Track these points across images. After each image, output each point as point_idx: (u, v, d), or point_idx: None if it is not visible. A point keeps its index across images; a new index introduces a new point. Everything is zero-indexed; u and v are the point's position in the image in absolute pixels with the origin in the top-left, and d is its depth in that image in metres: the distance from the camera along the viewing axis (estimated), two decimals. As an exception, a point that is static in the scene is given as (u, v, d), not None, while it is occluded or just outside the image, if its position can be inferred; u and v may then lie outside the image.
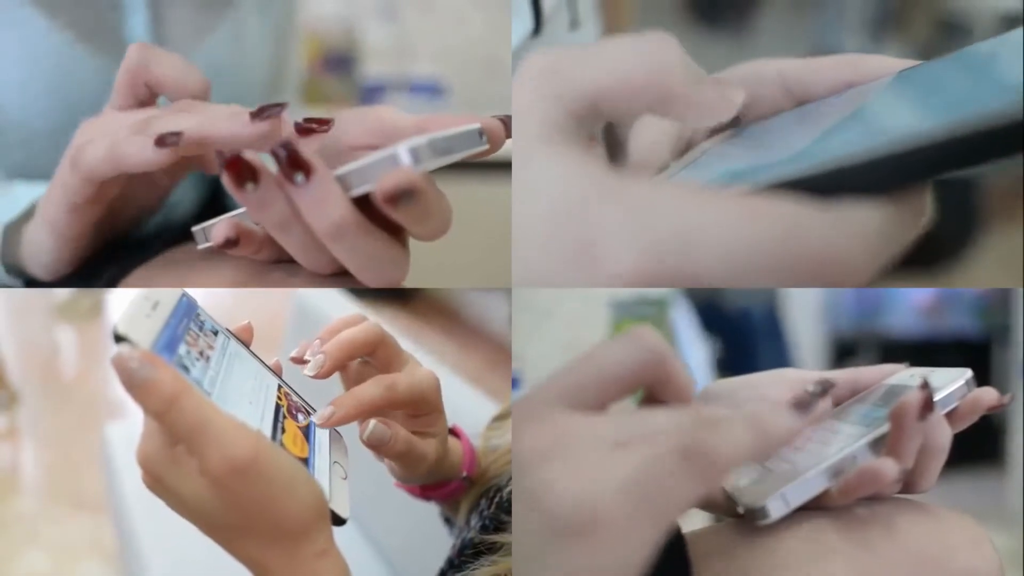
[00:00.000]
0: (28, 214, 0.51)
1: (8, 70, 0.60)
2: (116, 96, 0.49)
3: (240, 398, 0.43)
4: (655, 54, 0.36)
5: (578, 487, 0.31)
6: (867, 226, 0.33)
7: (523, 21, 0.58)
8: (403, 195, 0.40)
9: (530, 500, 0.31)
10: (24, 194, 0.52)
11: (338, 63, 1.95)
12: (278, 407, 0.45)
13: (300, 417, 0.47)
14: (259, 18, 0.73)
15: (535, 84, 0.36)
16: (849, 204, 0.33)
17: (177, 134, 0.43)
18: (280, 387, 0.48)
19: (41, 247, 0.49)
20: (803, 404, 0.34)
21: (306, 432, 0.46)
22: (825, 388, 0.35)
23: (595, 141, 0.38)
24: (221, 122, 0.44)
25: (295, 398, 0.49)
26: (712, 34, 2.16)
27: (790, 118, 0.41)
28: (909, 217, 0.34)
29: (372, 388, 0.49)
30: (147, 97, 0.49)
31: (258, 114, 0.44)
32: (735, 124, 0.44)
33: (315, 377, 0.48)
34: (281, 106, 0.44)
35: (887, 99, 0.36)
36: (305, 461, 0.43)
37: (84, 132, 0.48)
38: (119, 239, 0.53)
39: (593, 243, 0.33)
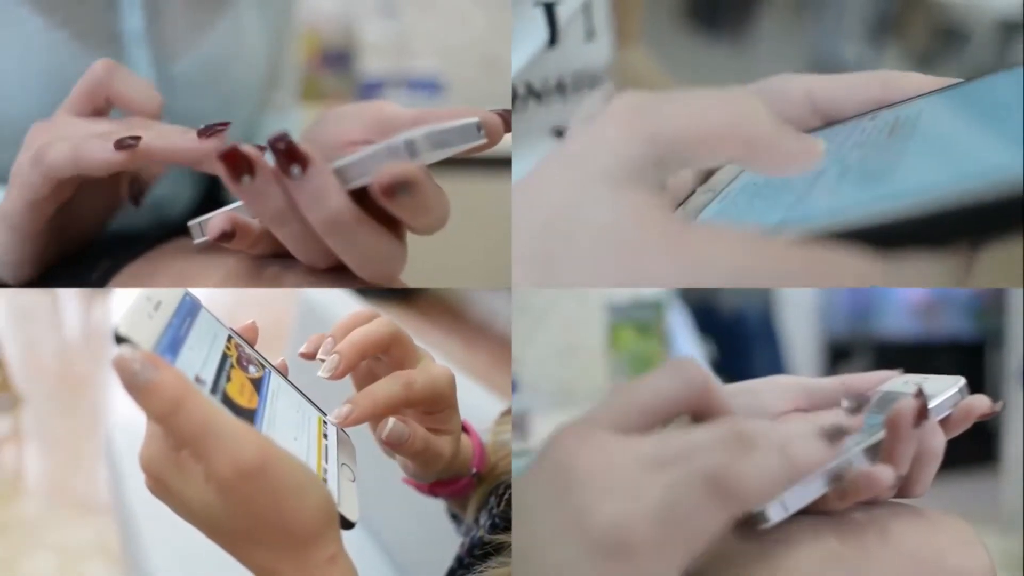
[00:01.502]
0: None
1: (3, 68, 0.60)
2: (73, 102, 0.51)
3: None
4: (741, 105, 0.37)
5: (615, 510, 0.32)
6: (921, 280, 0.33)
7: (538, 32, 0.58)
8: (400, 187, 0.40)
9: (570, 520, 0.33)
10: None
11: (336, 59, 1.95)
12: (225, 356, 0.44)
13: (251, 369, 0.45)
14: (257, 14, 0.73)
15: (623, 121, 0.36)
16: (906, 257, 0.33)
17: (136, 138, 0.45)
18: (230, 338, 0.46)
19: (2, 247, 0.50)
20: (836, 434, 0.34)
21: (257, 384, 0.44)
22: (859, 406, 0.36)
23: (666, 189, 0.38)
24: (171, 137, 0.46)
25: (247, 350, 0.47)
26: (713, 41, 2.16)
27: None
28: (955, 271, 0.34)
29: (389, 385, 0.48)
30: (103, 109, 0.51)
31: (205, 132, 0.46)
32: None
33: (330, 378, 0.47)
34: (225, 124, 0.46)
35: (919, 151, 0.36)
36: (253, 413, 0.42)
37: (38, 133, 0.49)
38: (70, 252, 0.54)
39: (640, 279, 0.34)
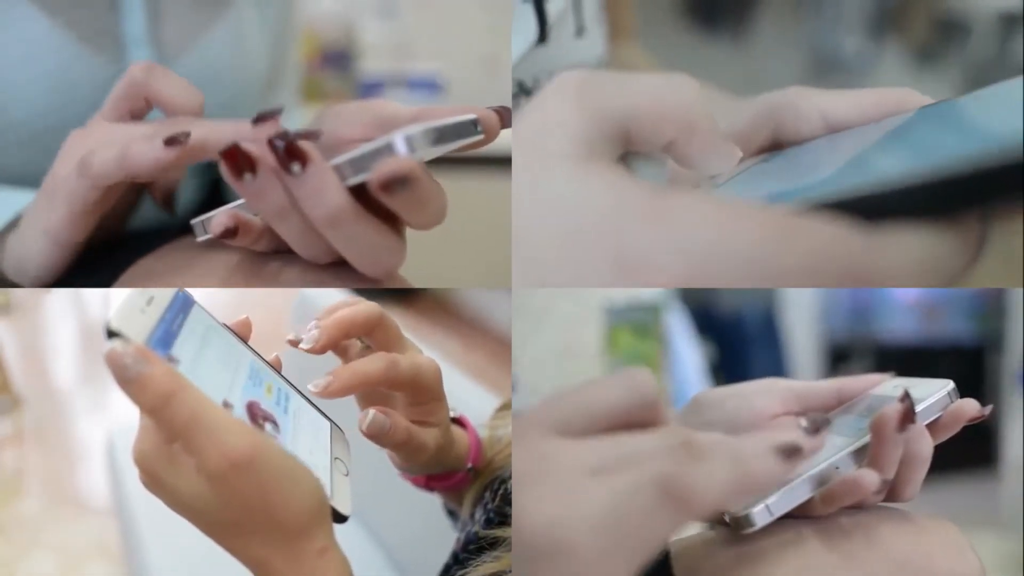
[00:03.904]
0: (11, 225, 0.52)
1: (9, 70, 0.60)
2: (110, 107, 0.50)
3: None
4: (684, 92, 0.38)
5: (551, 513, 0.30)
6: (911, 251, 0.33)
7: (528, 29, 0.58)
8: (398, 183, 0.41)
9: (514, 520, 0.31)
10: (6, 202, 0.53)
11: (336, 60, 1.95)
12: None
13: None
14: (257, 15, 0.74)
15: (571, 99, 0.37)
16: (892, 229, 0.33)
17: (186, 133, 0.45)
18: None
19: (32, 258, 0.50)
20: (791, 452, 0.32)
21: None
22: (819, 426, 0.35)
23: (623, 165, 0.38)
24: (223, 130, 0.46)
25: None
26: (711, 37, 2.16)
27: (823, 142, 0.42)
28: (955, 246, 0.33)
29: (372, 362, 0.48)
30: (141, 111, 0.51)
31: (258, 120, 0.45)
32: (771, 150, 0.45)
33: (309, 351, 0.47)
34: (279, 110, 0.46)
35: (918, 132, 0.37)
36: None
37: (76, 142, 0.49)
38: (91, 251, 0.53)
39: (631, 256, 0.33)
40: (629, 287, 0.34)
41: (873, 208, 0.33)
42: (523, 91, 0.60)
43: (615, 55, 0.68)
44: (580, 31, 0.62)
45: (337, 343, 0.49)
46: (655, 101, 0.37)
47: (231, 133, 0.45)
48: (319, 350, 0.48)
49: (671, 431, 0.34)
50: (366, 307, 0.50)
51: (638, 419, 0.35)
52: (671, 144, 0.38)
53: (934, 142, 0.35)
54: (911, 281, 0.33)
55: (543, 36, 0.59)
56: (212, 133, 0.46)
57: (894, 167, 0.34)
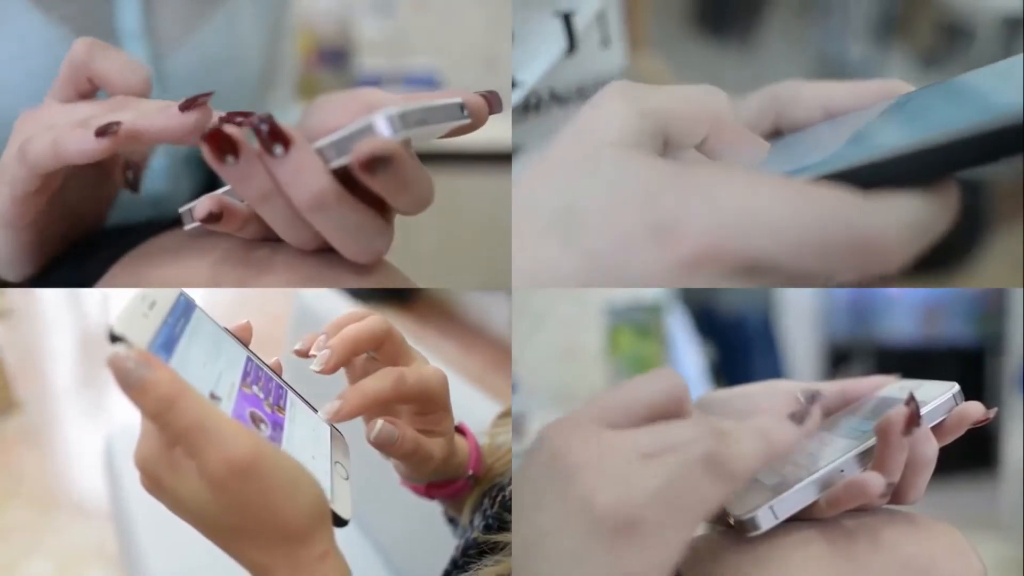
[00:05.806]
0: None
1: (2, 67, 0.60)
2: (58, 88, 0.50)
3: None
4: (714, 98, 0.43)
5: (616, 493, 0.34)
6: (903, 213, 0.37)
7: (558, 40, 0.62)
8: (379, 163, 0.41)
9: (573, 508, 0.35)
10: None
11: (333, 57, 1.96)
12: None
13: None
14: (253, 11, 0.73)
15: (620, 99, 0.41)
16: (886, 193, 0.37)
17: (117, 123, 0.44)
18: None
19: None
20: (799, 416, 0.37)
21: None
22: (813, 397, 0.39)
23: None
24: (153, 116, 0.45)
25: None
26: (721, 45, 2.17)
27: (822, 126, 0.45)
28: (939, 208, 0.38)
29: (379, 381, 0.48)
30: (88, 91, 0.50)
31: (186, 106, 0.44)
32: (773, 136, 0.47)
33: (321, 372, 0.47)
34: (207, 95, 0.45)
35: (888, 119, 0.41)
36: None
37: (25, 122, 0.48)
38: (70, 242, 0.53)
39: (667, 219, 0.37)
40: (665, 255, 0.38)
41: (869, 177, 0.37)
42: (554, 99, 0.65)
43: (634, 63, 0.71)
44: (605, 42, 0.67)
45: (348, 361, 0.49)
46: (691, 105, 0.42)
47: (159, 119, 0.44)
48: (331, 370, 0.48)
49: (700, 420, 0.38)
50: (373, 321, 0.50)
51: (670, 412, 0.39)
52: (704, 141, 0.42)
53: (933, 112, 0.38)
54: (904, 241, 0.37)
55: (572, 47, 0.63)
56: (141, 120, 0.45)
57: (894, 137, 0.37)
